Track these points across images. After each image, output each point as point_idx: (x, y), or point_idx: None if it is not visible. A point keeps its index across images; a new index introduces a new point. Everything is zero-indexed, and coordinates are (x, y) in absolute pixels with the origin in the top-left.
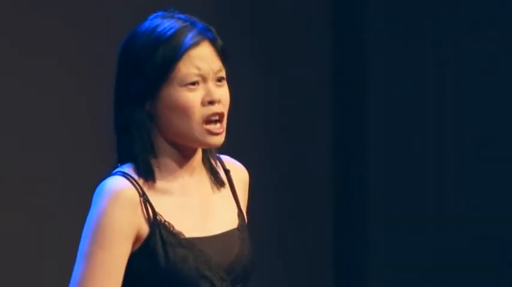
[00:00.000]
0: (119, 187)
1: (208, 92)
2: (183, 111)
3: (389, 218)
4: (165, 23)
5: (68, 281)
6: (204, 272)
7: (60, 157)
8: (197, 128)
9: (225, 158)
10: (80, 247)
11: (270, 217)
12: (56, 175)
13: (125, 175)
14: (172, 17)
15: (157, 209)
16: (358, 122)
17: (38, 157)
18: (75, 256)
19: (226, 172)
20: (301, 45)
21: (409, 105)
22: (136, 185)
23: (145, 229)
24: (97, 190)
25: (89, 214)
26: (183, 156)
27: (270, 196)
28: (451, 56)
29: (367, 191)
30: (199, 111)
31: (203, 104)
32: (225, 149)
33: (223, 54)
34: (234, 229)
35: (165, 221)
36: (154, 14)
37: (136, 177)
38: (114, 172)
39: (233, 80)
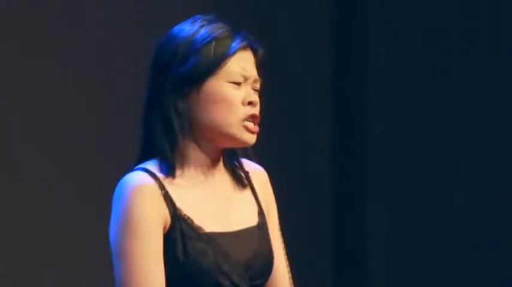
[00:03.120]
0: (140, 182)
1: (249, 94)
2: (226, 105)
3: (389, 215)
4: (212, 24)
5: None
6: (223, 267)
7: (60, 157)
8: (235, 124)
9: (243, 161)
10: (114, 247)
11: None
12: (56, 175)
13: (145, 170)
14: (217, 21)
15: (177, 204)
16: (358, 122)
17: (38, 157)
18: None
19: (246, 173)
20: (301, 45)
21: (409, 105)
22: (157, 180)
23: (167, 222)
24: (118, 186)
25: (115, 212)
26: (207, 153)
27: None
28: (451, 57)
29: (366, 189)
30: (240, 109)
31: (243, 103)
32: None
33: (260, 67)
34: (253, 227)
35: (185, 215)
36: (194, 17)
37: (157, 172)
38: (135, 168)
39: None
